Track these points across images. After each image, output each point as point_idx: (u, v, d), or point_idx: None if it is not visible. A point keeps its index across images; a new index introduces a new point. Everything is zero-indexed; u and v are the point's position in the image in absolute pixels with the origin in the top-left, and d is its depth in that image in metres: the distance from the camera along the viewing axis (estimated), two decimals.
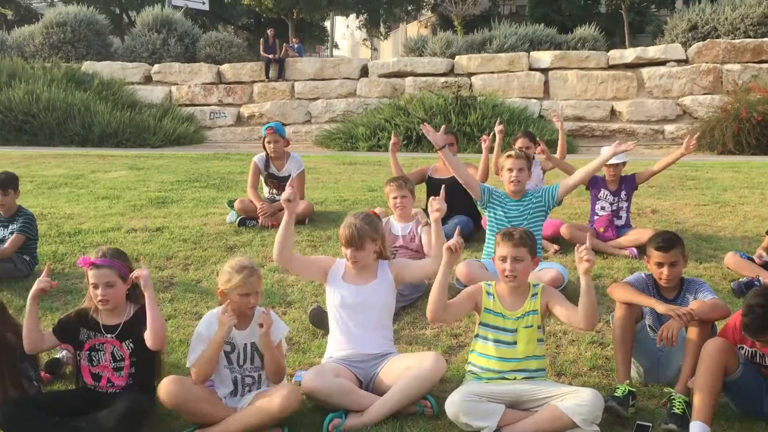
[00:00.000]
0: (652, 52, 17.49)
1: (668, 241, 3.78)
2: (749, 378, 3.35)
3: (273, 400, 3.38)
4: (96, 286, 3.51)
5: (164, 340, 3.57)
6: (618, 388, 3.58)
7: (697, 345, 3.47)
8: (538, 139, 7.10)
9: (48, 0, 32.09)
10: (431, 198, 3.98)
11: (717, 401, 3.36)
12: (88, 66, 18.65)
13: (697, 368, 3.38)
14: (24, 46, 20.03)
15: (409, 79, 18.12)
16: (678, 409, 3.40)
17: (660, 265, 3.79)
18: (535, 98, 17.50)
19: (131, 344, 3.57)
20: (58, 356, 4.06)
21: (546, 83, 17.77)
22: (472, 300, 3.65)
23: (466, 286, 5.03)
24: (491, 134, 6.82)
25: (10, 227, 5.58)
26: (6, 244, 5.47)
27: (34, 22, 23.85)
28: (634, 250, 5.97)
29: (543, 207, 5.32)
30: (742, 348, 3.49)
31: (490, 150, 6.61)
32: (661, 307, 3.64)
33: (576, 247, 3.43)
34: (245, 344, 3.58)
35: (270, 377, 3.60)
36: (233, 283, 3.48)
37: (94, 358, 3.57)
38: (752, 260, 5.36)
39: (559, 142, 7.35)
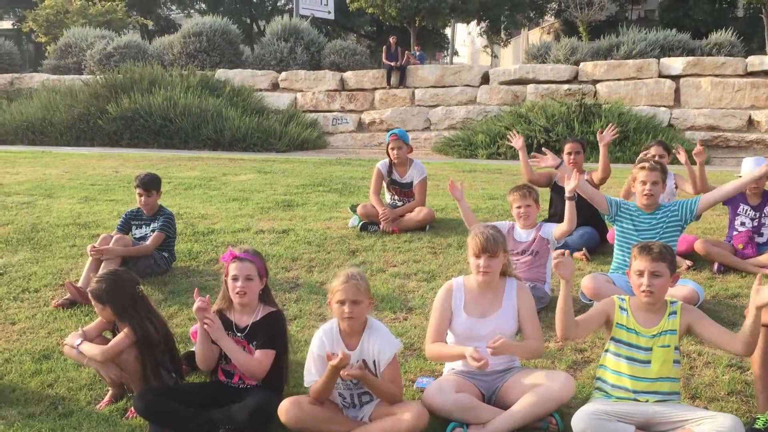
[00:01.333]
0: None
1: None
2: None
3: (402, 420, 3.32)
4: (236, 279, 3.66)
5: (255, 374, 3.61)
6: (758, 418, 3.36)
7: None
8: (699, 141, 6.52)
9: (186, 11, 34.02)
10: None
11: None
12: (220, 73, 19.59)
13: None
14: (163, 54, 21.31)
15: (530, 87, 17.83)
16: None
17: None
18: (665, 106, 16.77)
19: (257, 346, 3.69)
20: (194, 349, 4.27)
21: (677, 91, 16.99)
22: (604, 315, 3.52)
23: (591, 300, 4.91)
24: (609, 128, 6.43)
25: (152, 225, 5.95)
26: (148, 242, 5.83)
27: (172, 32, 25.35)
28: None
29: (679, 222, 5.05)
30: None
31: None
32: None
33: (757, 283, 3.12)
34: (357, 362, 3.47)
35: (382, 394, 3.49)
36: (332, 289, 3.45)
37: (227, 356, 3.73)
38: None
39: (697, 174, 6.21)
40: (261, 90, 19.40)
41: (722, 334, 3.34)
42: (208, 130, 16.41)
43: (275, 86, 19.90)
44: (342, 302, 3.41)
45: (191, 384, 4.05)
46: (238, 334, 3.72)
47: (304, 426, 3.41)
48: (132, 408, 3.68)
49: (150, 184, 5.93)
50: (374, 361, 3.49)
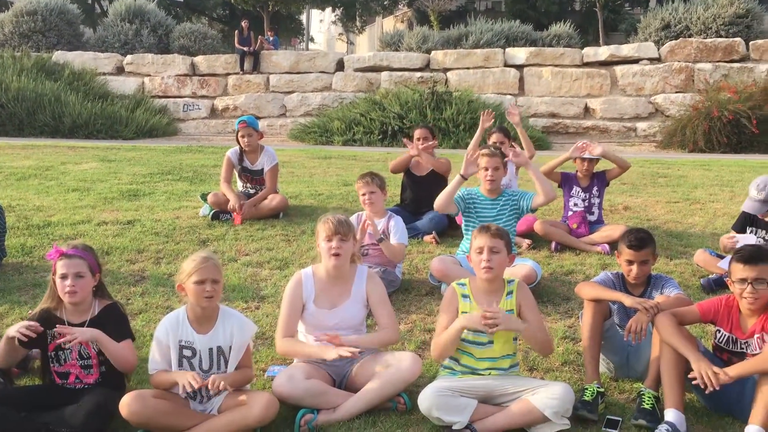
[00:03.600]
0: (626, 50, 17.66)
1: (640, 240, 3.80)
2: None
3: (250, 411, 3.26)
4: (65, 277, 3.43)
5: (130, 365, 3.51)
6: (587, 389, 3.57)
7: None
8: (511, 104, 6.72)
9: None
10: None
11: (684, 385, 3.38)
12: (58, 56, 18.35)
13: (660, 357, 3.42)
14: None
15: (384, 74, 18.09)
16: (647, 404, 3.43)
17: (630, 262, 3.82)
18: (510, 94, 17.58)
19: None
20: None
21: (521, 80, 17.86)
22: (454, 309, 3.59)
23: (439, 281, 5.08)
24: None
25: None
26: None
27: (3, 10, 23.40)
28: (606, 246, 6.02)
29: (517, 210, 5.35)
30: (720, 331, 3.52)
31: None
32: (628, 301, 3.67)
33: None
34: (210, 348, 3.40)
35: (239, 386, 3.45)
36: (187, 271, 3.34)
37: (60, 357, 3.49)
38: (721, 257, 5.42)
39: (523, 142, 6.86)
40: (104, 74, 18.37)
41: (531, 324, 3.53)
42: (46, 116, 15.33)
43: (120, 70, 18.92)
44: (202, 282, 3.30)
45: (22, 387, 3.75)
46: None
47: (148, 421, 3.26)
48: None
49: None
50: (230, 347, 3.42)
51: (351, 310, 3.79)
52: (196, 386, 3.18)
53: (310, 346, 3.71)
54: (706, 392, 3.23)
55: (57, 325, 3.41)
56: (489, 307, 3.35)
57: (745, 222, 5.46)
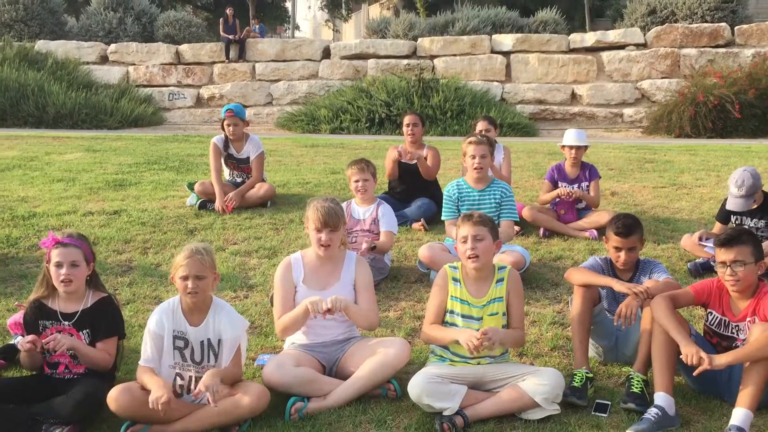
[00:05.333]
0: (612, 35, 17.66)
1: (628, 227, 3.81)
2: None
3: (242, 402, 3.26)
4: (60, 265, 3.41)
5: (103, 366, 3.50)
6: (576, 375, 3.58)
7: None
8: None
9: None
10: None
11: (674, 369, 3.41)
12: (41, 45, 18.14)
13: (651, 340, 3.44)
14: None
15: (371, 61, 18.01)
16: (636, 388, 3.45)
17: (618, 249, 3.83)
18: (497, 81, 17.55)
19: (89, 335, 3.49)
20: (13, 342, 3.95)
21: (508, 66, 17.82)
22: (445, 291, 3.58)
23: (428, 268, 5.07)
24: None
25: None
26: None
27: None
28: (594, 232, 6.04)
29: (497, 206, 5.34)
30: (711, 313, 3.55)
31: None
32: (618, 286, 3.69)
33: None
34: (201, 341, 3.39)
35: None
36: (175, 264, 3.33)
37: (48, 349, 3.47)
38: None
39: None
40: (88, 63, 18.16)
41: (511, 321, 3.58)
42: (29, 107, 15.16)
43: (104, 59, 18.72)
44: (185, 278, 3.29)
45: (11, 379, 3.73)
46: (65, 323, 3.49)
47: (136, 414, 3.24)
48: None
49: None
50: (219, 340, 3.41)
51: (341, 292, 3.77)
52: (160, 409, 3.10)
53: (296, 311, 3.69)
54: (694, 374, 3.26)
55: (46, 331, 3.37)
56: (484, 336, 3.32)
57: (728, 212, 5.47)
